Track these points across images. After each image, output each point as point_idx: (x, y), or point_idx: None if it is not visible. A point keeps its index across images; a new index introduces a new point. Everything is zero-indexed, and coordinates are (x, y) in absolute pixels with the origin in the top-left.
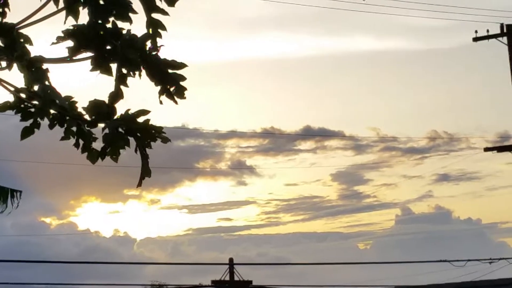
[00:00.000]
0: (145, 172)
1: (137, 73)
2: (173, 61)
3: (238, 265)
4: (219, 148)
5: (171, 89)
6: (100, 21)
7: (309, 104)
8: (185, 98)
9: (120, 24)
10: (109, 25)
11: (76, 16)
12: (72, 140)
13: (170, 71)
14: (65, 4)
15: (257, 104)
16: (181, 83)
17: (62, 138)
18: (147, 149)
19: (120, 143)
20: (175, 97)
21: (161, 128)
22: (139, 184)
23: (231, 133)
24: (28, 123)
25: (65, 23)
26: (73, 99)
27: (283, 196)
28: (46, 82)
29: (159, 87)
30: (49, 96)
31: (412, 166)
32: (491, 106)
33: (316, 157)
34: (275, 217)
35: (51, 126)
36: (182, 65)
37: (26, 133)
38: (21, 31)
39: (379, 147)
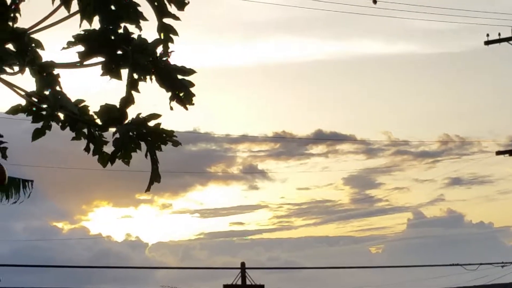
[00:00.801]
0: (155, 177)
1: (148, 77)
2: (183, 67)
3: (250, 269)
4: (231, 152)
5: (180, 94)
6: (111, 27)
7: (320, 108)
8: (193, 104)
9: (131, 29)
10: (120, 30)
11: (90, 20)
12: (83, 145)
13: (179, 77)
14: (80, 8)
15: (268, 108)
16: (190, 89)
17: (73, 139)
18: (157, 153)
19: (131, 147)
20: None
21: (172, 132)
22: (148, 189)
23: (243, 137)
24: (39, 125)
25: (80, 26)
26: (84, 103)
27: (295, 200)
28: (57, 88)
29: (170, 93)
30: (59, 101)
31: (424, 170)
32: (503, 110)
33: (328, 161)
34: (287, 221)
35: (62, 128)
36: (191, 71)
37: (37, 134)
38: (32, 35)
39: (390, 151)
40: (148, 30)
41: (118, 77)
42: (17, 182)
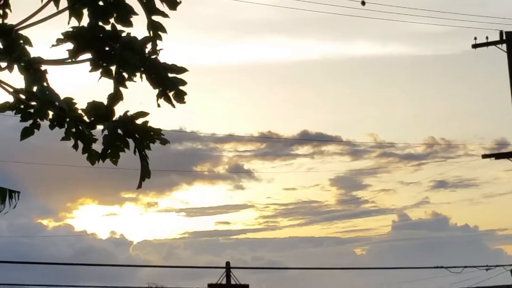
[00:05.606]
0: (145, 173)
1: (138, 75)
2: (173, 65)
3: (234, 269)
4: (217, 151)
5: (171, 93)
6: (100, 23)
7: (306, 109)
8: (184, 102)
9: (121, 27)
10: (108, 27)
11: (79, 18)
12: (71, 142)
13: (170, 75)
14: (69, 4)
15: (254, 108)
16: (182, 87)
17: (63, 139)
18: (145, 151)
19: (119, 144)
20: (175, 101)
21: (159, 130)
22: (139, 186)
23: (229, 137)
24: (27, 123)
25: (68, 23)
26: (73, 101)
27: (281, 201)
28: (45, 84)
29: (157, 90)
30: (47, 97)
31: (410, 172)
32: (489, 113)
33: (314, 162)
34: (273, 221)
35: (51, 127)
36: (182, 70)
37: (26, 133)
38: (20, 32)
39: (376, 152)
40: (137, 29)
41: (109, 75)
42: (4, 192)
